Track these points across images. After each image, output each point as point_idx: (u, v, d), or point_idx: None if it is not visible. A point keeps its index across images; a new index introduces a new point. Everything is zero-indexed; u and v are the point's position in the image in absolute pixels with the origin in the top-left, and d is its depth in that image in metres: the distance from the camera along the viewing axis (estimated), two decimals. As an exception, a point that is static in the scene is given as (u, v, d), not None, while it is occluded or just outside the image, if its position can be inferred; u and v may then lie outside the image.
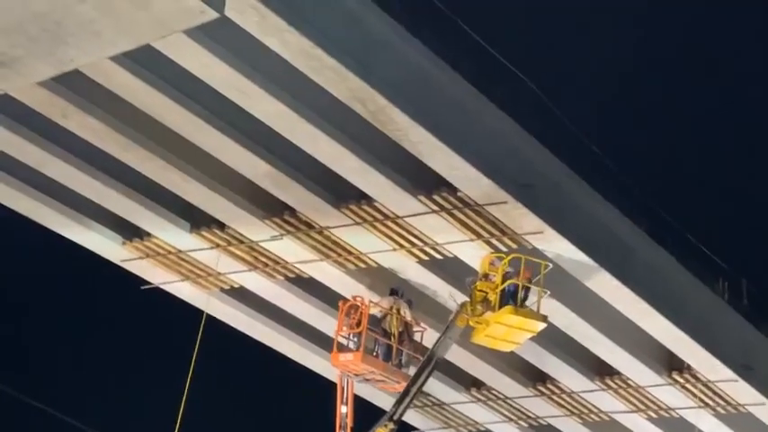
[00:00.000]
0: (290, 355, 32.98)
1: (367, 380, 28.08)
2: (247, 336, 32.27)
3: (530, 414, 34.57)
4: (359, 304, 27.70)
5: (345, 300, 28.20)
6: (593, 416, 34.20)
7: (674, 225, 29.01)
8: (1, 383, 33.70)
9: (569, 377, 32.24)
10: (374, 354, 27.66)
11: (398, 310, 28.14)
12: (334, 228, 26.82)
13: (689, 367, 31.03)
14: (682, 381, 31.53)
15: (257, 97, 22.22)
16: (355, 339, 27.48)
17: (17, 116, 23.86)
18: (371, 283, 28.74)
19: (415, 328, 28.54)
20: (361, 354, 27.09)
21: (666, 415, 33.47)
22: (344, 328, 27.55)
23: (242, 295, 30.75)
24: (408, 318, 28.23)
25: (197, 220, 27.86)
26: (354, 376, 27.83)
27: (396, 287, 28.48)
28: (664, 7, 56.67)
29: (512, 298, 25.76)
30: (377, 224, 26.32)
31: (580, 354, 31.05)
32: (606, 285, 27.31)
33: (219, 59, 21.12)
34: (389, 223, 26.25)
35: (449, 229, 25.96)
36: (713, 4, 56.15)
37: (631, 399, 32.87)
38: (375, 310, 27.90)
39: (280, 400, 47.56)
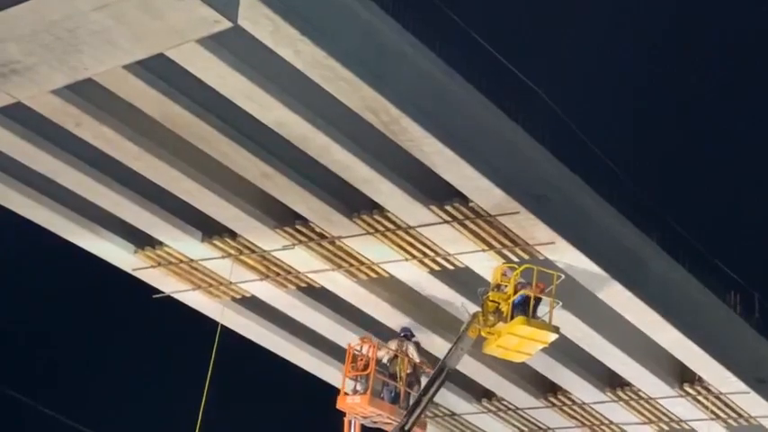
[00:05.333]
0: (301, 365, 32.99)
1: (375, 422, 28.01)
2: (258, 345, 32.28)
3: (541, 425, 34.52)
4: (367, 346, 27.70)
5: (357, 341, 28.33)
6: (604, 427, 34.12)
7: (686, 237, 28.98)
8: (14, 391, 33.79)
9: (581, 388, 32.19)
10: (381, 396, 27.60)
11: (406, 352, 28.13)
12: (346, 237, 26.82)
13: (700, 379, 30.98)
14: (693, 393, 31.47)
15: (270, 107, 22.25)
16: (363, 381, 27.44)
17: (30, 125, 23.89)
18: (384, 295, 28.81)
19: (422, 370, 28.48)
20: (368, 396, 27.05)
21: (678, 427, 33.39)
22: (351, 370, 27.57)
23: (253, 305, 30.75)
24: (416, 360, 28.20)
25: (209, 229, 27.88)
26: (362, 418, 27.79)
27: (405, 328, 28.57)
28: (682, 19, 56.61)
29: (521, 308, 25.73)
30: (389, 234, 26.31)
31: (591, 365, 31.00)
32: (618, 297, 27.27)
33: (232, 69, 21.14)
34: (401, 233, 26.24)
35: (461, 239, 25.95)
36: (732, 14, 56.13)
37: (643, 411, 32.80)
38: (383, 353, 27.91)
39: (289, 409, 47.53)
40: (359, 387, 27.48)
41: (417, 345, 28.51)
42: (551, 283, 25.68)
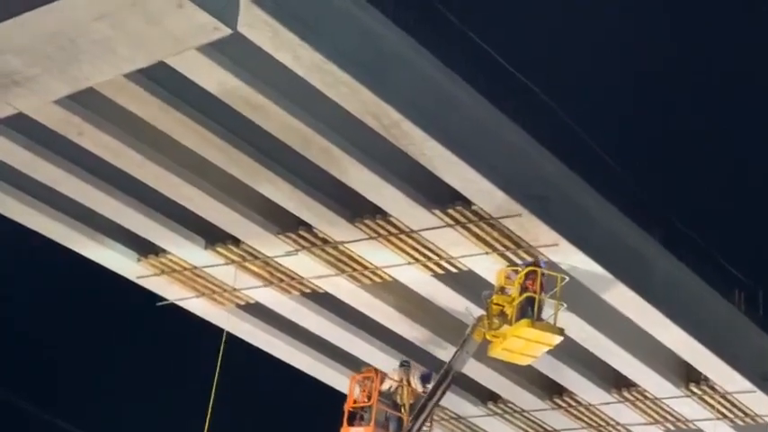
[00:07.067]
0: (306, 371, 32.98)
1: None
2: (263, 351, 32.28)
3: (547, 427, 34.50)
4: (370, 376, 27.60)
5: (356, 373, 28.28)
6: (610, 428, 34.10)
7: (690, 236, 28.96)
8: (18, 399, 33.81)
9: (586, 390, 32.16)
10: (385, 425, 27.43)
11: (409, 382, 28.03)
12: (349, 242, 26.81)
13: (706, 379, 30.94)
14: (699, 392, 31.45)
15: (271, 112, 22.26)
16: (366, 412, 27.34)
17: (33, 134, 23.92)
18: (388, 299, 28.81)
19: None
20: (372, 428, 26.95)
21: (684, 427, 33.36)
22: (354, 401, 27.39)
23: (258, 311, 30.75)
24: (420, 389, 28.09)
25: (212, 236, 27.88)
26: None
27: (406, 360, 28.56)
28: (684, 18, 56.60)
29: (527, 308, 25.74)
30: (392, 238, 26.31)
31: (597, 366, 30.98)
32: (622, 297, 27.24)
33: (233, 75, 21.16)
34: (404, 237, 26.24)
35: (464, 242, 25.94)
36: (732, 15, 56.11)
37: (649, 411, 32.77)
38: (386, 384, 27.78)
39: (294, 415, 47.52)
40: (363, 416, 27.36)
41: (424, 375, 28.35)
42: (555, 285, 25.68)
